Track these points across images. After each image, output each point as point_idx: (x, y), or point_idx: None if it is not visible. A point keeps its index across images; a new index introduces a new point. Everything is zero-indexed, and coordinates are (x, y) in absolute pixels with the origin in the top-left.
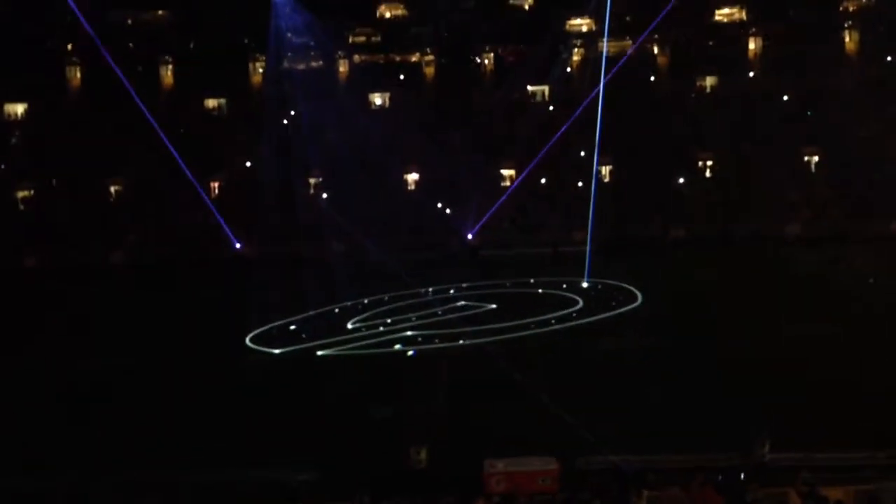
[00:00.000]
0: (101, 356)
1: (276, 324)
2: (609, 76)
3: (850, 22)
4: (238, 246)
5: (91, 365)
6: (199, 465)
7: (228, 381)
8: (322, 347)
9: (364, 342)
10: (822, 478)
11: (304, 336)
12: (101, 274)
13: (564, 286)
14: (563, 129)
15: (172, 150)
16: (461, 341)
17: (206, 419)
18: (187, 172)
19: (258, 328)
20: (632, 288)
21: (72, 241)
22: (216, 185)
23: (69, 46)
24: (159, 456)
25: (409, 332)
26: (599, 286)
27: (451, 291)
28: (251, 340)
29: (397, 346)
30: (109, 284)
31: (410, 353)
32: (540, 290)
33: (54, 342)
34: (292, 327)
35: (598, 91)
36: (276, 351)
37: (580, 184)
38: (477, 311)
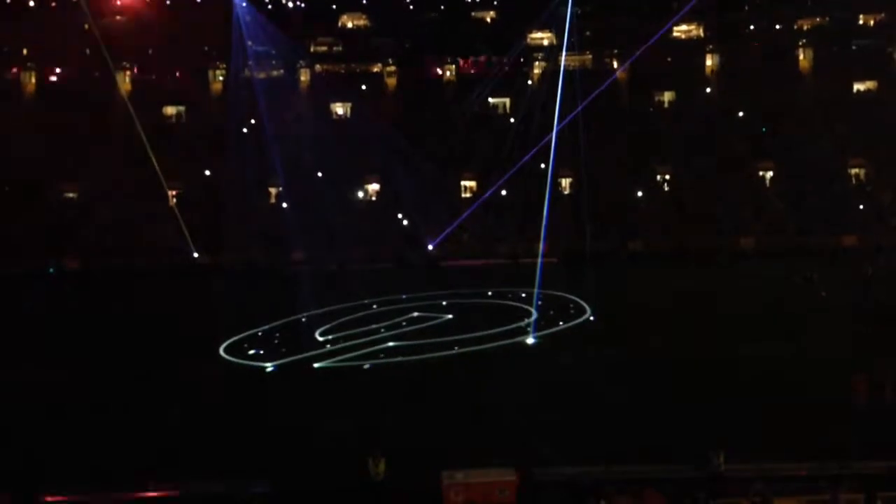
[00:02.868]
0: (52, 365)
1: (236, 336)
2: (587, 100)
3: (804, 40)
4: (195, 255)
5: (38, 374)
6: (149, 478)
7: (181, 392)
8: (313, 360)
9: (354, 354)
10: (776, 489)
11: (284, 350)
12: (55, 281)
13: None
14: (535, 149)
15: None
16: (455, 348)
17: (156, 431)
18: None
19: (214, 338)
20: (581, 301)
21: (25, 247)
22: (174, 193)
23: (24, 51)
24: (107, 470)
25: (391, 343)
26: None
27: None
28: (226, 352)
29: (399, 358)
30: (63, 292)
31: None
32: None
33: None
34: (276, 338)
35: (565, 107)
36: (269, 365)
37: (541, 196)
38: (441, 322)
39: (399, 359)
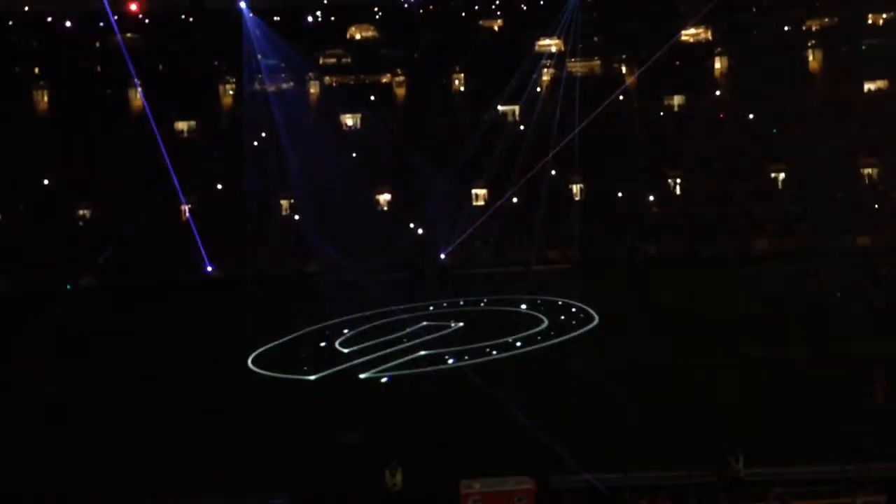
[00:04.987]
0: (75, 379)
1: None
2: (601, 107)
3: (813, 41)
4: (209, 268)
5: (61, 388)
6: (169, 491)
7: (200, 405)
8: (352, 370)
9: (393, 362)
10: (795, 492)
11: (318, 361)
12: (71, 297)
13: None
14: (547, 157)
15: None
16: (492, 352)
17: (176, 444)
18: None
19: (242, 351)
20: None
21: (41, 265)
22: (187, 207)
23: (36, 70)
24: (127, 482)
25: (422, 352)
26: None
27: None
28: (256, 365)
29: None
30: (80, 308)
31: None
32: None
33: (23, 365)
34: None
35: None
36: (313, 377)
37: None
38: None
39: (442, 366)
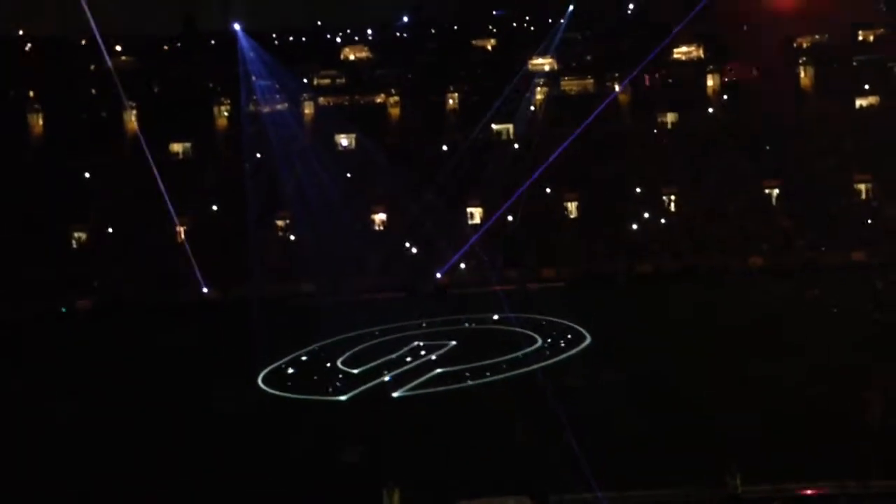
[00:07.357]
0: (71, 401)
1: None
2: (586, 122)
3: (804, 58)
4: (205, 290)
5: (58, 410)
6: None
7: (198, 425)
8: (372, 391)
9: (420, 380)
10: None
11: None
12: (67, 321)
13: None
14: (539, 170)
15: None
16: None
17: (176, 465)
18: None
19: (249, 373)
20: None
21: (37, 289)
22: (182, 229)
23: (31, 93)
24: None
25: (438, 370)
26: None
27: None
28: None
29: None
30: (76, 331)
31: None
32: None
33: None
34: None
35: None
36: (343, 397)
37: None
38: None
39: (469, 383)
